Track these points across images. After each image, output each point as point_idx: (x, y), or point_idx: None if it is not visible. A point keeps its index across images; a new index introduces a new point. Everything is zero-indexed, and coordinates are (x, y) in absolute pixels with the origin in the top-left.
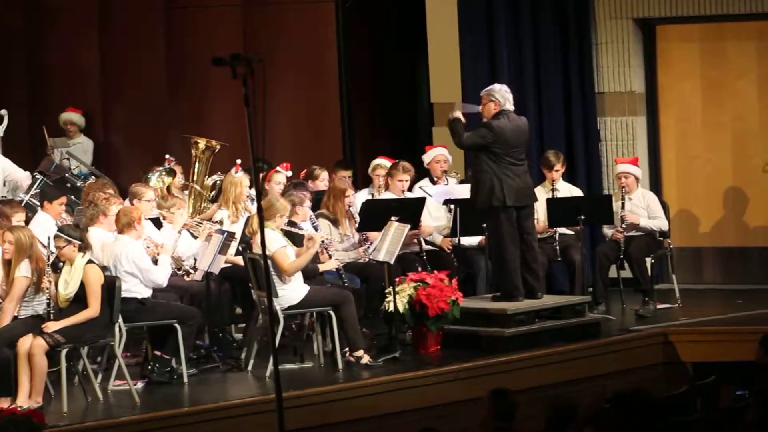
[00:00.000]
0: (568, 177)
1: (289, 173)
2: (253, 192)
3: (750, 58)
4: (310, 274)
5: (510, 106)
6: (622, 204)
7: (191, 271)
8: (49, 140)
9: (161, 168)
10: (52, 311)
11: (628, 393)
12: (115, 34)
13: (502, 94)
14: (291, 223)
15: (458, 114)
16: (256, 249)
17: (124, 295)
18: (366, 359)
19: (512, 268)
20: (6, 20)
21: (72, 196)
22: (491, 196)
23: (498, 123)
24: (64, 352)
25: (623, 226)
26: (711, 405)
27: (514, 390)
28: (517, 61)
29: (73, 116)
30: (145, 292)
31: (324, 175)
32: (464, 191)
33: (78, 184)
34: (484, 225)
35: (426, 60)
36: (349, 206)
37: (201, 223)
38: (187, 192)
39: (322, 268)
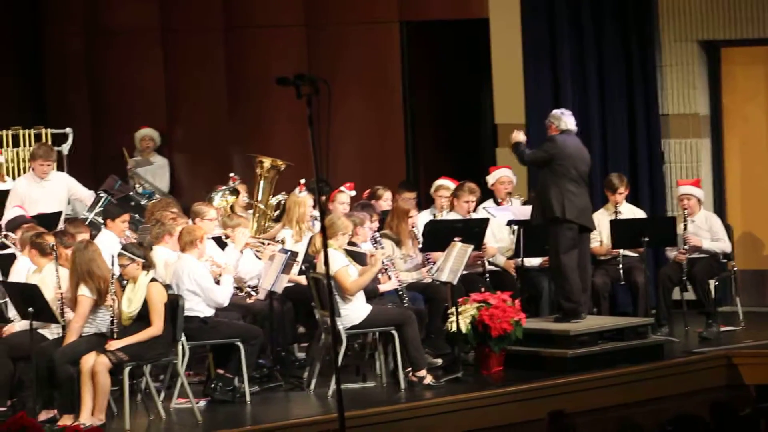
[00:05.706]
0: (632, 198)
1: (353, 193)
2: (317, 212)
3: None
4: (370, 294)
5: (567, 126)
6: (684, 226)
7: (253, 293)
8: (130, 161)
9: (225, 187)
10: (115, 329)
11: (691, 415)
12: (177, 54)
13: (557, 117)
14: (351, 244)
15: (521, 137)
16: (320, 268)
17: (186, 313)
18: (428, 379)
19: (571, 282)
20: (69, 43)
21: (136, 215)
22: (552, 208)
23: (561, 137)
24: (127, 369)
25: (686, 247)
26: None
27: (576, 411)
28: (580, 82)
29: (152, 132)
30: (208, 311)
31: (387, 195)
32: (528, 212)
33: (142, 203)
34: (547, 247)
35: (490, 81)
36: (412, 227)
37: (263, 243)
38: (251, 211)
39: (381, 288)
